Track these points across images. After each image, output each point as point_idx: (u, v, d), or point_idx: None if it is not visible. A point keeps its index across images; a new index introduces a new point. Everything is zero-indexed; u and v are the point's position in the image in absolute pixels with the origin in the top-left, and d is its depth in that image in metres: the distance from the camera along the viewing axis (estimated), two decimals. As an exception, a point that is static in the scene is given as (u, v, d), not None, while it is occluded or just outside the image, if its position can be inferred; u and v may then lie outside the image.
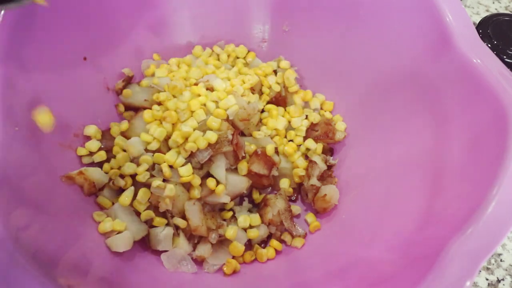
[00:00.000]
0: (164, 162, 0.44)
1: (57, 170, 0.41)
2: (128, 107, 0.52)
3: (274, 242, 0.46)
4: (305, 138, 0.53)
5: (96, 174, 0.44)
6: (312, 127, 0.53)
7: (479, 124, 0.37)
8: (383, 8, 0.47)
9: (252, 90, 0.53)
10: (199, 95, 0.48)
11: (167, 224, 0.44)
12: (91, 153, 0.46)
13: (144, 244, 0.44)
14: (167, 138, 0.46)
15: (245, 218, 0.46)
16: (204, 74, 0.52)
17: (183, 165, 0.44)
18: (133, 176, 0.45)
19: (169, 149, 0.46)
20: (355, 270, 0.38)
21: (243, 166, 0.46)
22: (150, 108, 0.48)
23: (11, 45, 0.39)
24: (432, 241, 0.34)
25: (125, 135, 0.48)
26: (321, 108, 0.56)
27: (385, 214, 0.42)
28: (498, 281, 0.49)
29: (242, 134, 0.51)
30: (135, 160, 0.46)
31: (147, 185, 0.44)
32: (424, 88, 0.44)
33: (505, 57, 0.56)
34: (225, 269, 0.44)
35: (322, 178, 0.50)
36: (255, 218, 0.46)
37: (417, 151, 0.43)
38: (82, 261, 0.37)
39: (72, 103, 0.46)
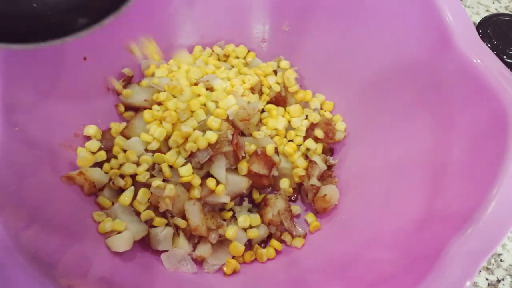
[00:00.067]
0: (164, 162, 0.44)
1: (57, 170, 0.41)
2: (128, 107, 0.52)
3: (274, 242, 0.46)
4: (305, 138, 0.53)
5: (96, 174, 0.44)
6: (312, 127, 0.53)
7: (479, 124, 0.37)
8: (383, 8, 0.47)
9: (252, 90, 0.53)
10: (199, 95, 0.48)
11: (167, 224, 0.44)
12: (91, 153, 0.46)
13: (144, 244, 0.44)
14: (167, 138, 0.46)
15: (245, 218, 0.46)
16: (204, 74, 0.52)
17: (183, 165, 0.44)
18: (133, 176, 0.45)
19: (169, 149, 0.46)
20: (355, 270, 0.38)
21: (243, 166, 0.46)
22: (150, 108, 0.48)
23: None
24: (432, 241, 0.34)
25: (125, 135, 0.48)
26: (321, 108, 0.56)
27: (385, 214, 0.42)
28: (498, 281, 0.49)
29: (242, 134, 0.51)
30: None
31: (147, 185, 0.44)
32: (424, 88, 0.44)
33: (505, 57, 0.56)
34: (225, 269, 0.44)
35: (322, 178, 0.50)
36: (255, 218, 0.46)
37: (417, 151, 0.43)
38: (82, 261, 0.37)
39: (72, 103, 0.46)
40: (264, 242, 0.48)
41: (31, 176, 0.38)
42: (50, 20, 0.34)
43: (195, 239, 0.45)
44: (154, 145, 0.45)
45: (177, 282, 0.42)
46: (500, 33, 0.58)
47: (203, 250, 0.44)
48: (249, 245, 0.47)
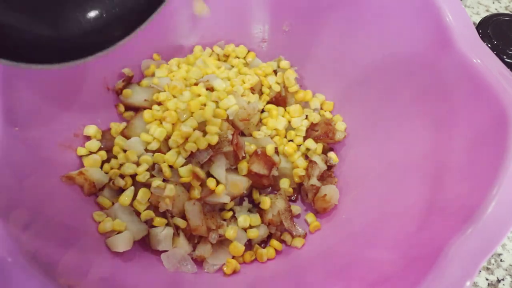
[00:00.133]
0: (164, 162, 0.44)
1: (57, 170, 0.41)
2: (128, 107, 0.52)
3: (274, 242, 0.46)
4: (305, 138, 0.53)
5: (96, 174, 0.44)
6: (312, 127, 0.53)
7: (479, 124, 0.37)
8: (383, 8, 0.47)
9: (252, 90, 0.53)
10: (199, 95, 0.48)
11: (167, 224, 0.44)
12: (91, 153, 0.46)
13: (144, 244, 0.44)
14: (167, 138, 0.46)
15: (245, 218, 0.46)
16: (204, 74, 0.52)
17: (183, 165, 0.44)
18: (133, 176, 0.45)
19: (169, 149, 0.46)
20: (355, 270, 0.38)
21: (243, 166, 0.46)
22: (150, 108, 0.48)
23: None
24: (432, 241, 0.34)
25: (125, 135, 0.48)
26: (321, 108, 0.56)
27: (385, 214, 0.42)
28: (498, 281, 0.49)
29: (242, 134, 0.51)
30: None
31: (147, 185, 0.44)
32: (424, 88, 0.44)
33: (505, 57, 0.56)
34: (225, 269, 0.44)
35: (322, 178, 0.50)
36: (255, 218, 0.46)
37: (417, 151, 0.43)
38: (82, 261, 0.37)
39: (72, 103, 0.46)
40: (264, 242, 0.47)
41: (31, 176, 0.37)
42: (88, 39, 0.33)
43: (195, 239, 0.45)
44: (154, 145, 0.45)
45: (177, 282, 0.42)
46: (500, 33, 0.58)
47: (203, 250, 0.44)
48: (249, 245, 0.47)
